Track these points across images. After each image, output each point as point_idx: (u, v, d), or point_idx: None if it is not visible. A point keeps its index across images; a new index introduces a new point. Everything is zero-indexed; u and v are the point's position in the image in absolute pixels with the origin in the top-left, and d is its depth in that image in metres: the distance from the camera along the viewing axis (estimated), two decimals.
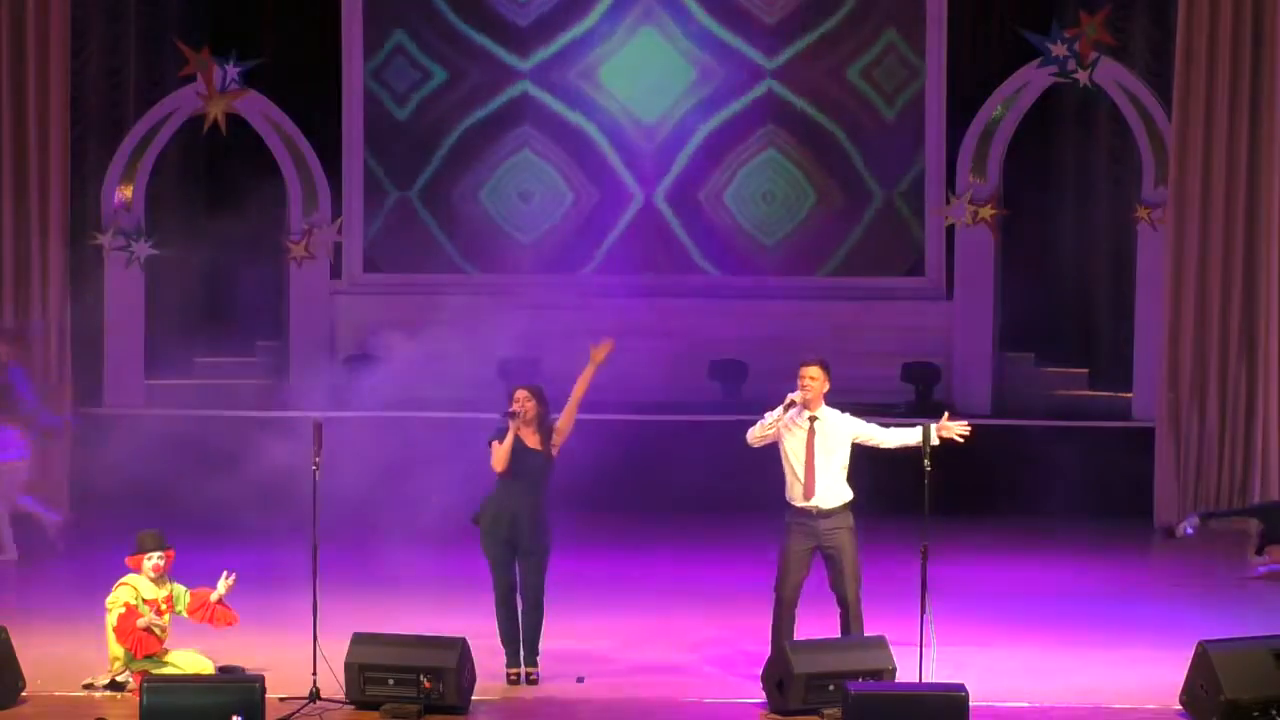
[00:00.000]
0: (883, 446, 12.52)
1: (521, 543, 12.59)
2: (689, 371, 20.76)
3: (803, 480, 12.37)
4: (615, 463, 17.82)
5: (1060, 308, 21.51)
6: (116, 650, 12.40)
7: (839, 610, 12.45)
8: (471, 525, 12.77)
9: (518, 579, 12.65)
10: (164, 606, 12.50)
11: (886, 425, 12.63)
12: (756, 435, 12.46)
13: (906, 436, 12.44)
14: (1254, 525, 16.35)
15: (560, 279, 21.47)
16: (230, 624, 12.64)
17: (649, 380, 20.36)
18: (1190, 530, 15.99)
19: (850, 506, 12.46)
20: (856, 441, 12.50)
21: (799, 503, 12.41)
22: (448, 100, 21.80)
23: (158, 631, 12.38)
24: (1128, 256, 20.55)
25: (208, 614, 12.56)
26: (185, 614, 12.59)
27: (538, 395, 12.66)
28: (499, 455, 12.56)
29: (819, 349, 19.11)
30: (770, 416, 12.39)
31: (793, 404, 12.36)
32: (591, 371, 12.74)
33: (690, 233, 21.74)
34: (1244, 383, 18.42)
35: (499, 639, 12.68)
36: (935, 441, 12.18)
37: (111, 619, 12.39)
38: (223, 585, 12.55)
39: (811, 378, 12.38)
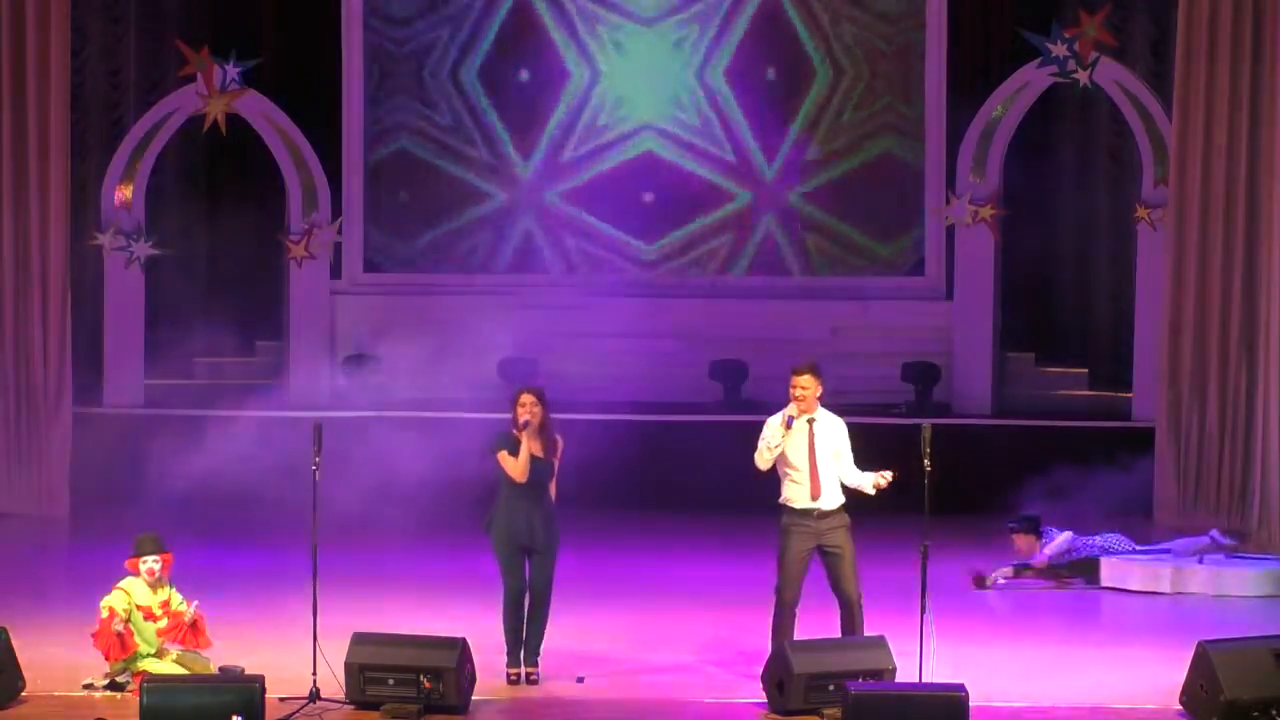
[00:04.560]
0: (843, 476, 12.50)
1: (535, 545, 12.59)
2: (689, 371, 20.75)
3: (808, 483, 12.34)
4: (615, 463, 17.82)
5: (1060, 308, 21.51)
6: None
7: (840, 609, 12.45)
8: (478, 525, 12.75)
9: (527, 580, 12.64)
10: (159, 612, 12.47)
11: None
12: (765, 459, 12.38)
13: (860, 480, 12.44)
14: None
15: (560, 279, 21.47)
16: (200, 649, 12.54)
17: (649, 380, 20.37)
18: (1002, 581, 16.00)
19: (845, 506, 12.46)
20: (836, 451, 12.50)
21: (801, 504, 12.38)
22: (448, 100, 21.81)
23: (144, 642, 12.35)
24: (1128, 256, 20.56)
25: (179, 635, 12.46)
26: (162, 631, 12.51)
27: (543, 400, 12.63)
28: (518, 468, 12.50)
29: (819, 349, 19.25)
30: (774, 440, 12.32)
31: (792, 419, 12.34)
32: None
33: (691, 232, 21.73)
34: (1244, 383, 18.40)
35: (503, 636, 12.66)
36: (877, 487, 12.32)
37: (101, 616, 12.38)
38: (189, 614, 12.47)
39: (804, 387, 12.36)
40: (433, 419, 18.59)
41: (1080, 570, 16.25)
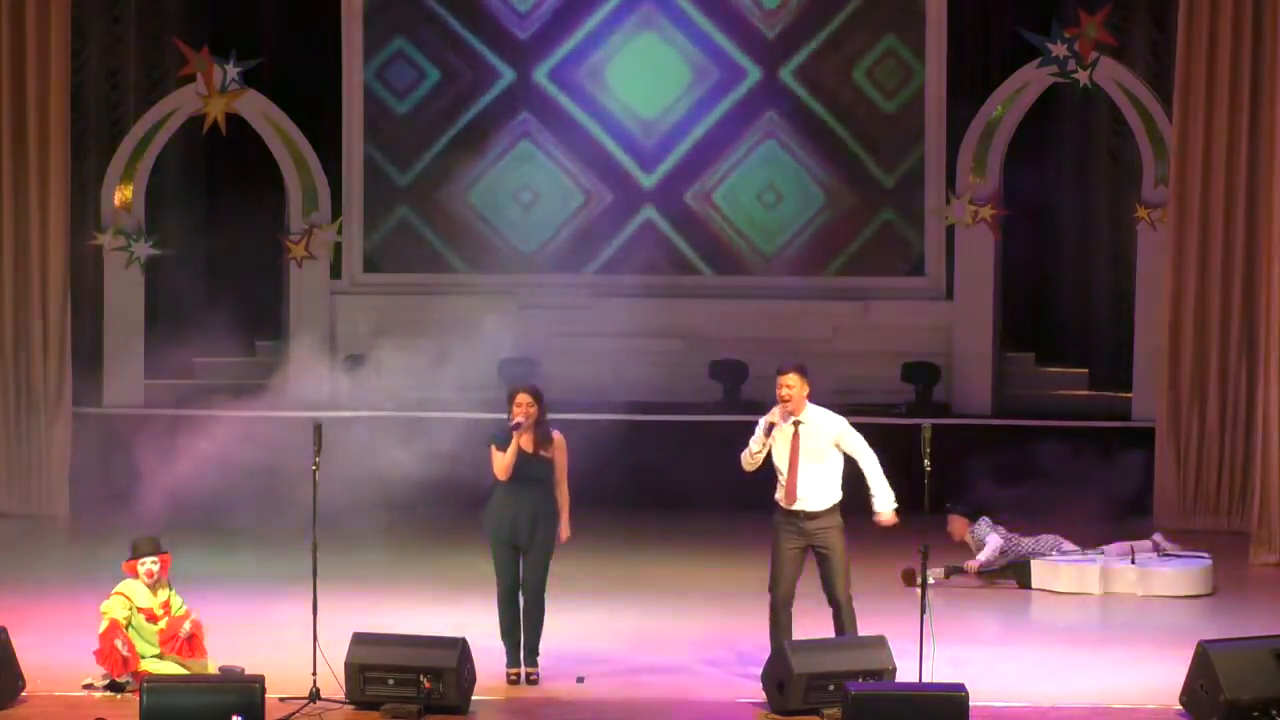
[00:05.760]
0: (859, 462, 12.45)
1: (524, 542, 12.58)
2: (689, 371, 20.75)
3: (785, 484, 12.35)
4: (615, 462, 17.82)
5: (1060, 308, 21.52)
6: None
7: (832, 610, 12.44)
8: (478, 525, 12.76)
9: (520, 577, 12.64)
10: (159, 613, 12.46)
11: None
12: (749, 462, 12.41)
13: (876, 481, 12.34)
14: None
15: (560, 279, 21.47)
16: (197, 659, 12.54)
17: (649, 380, 20.38)
18: (933, 580, 15.91)
19: (839, 507, 12.42)
20: (837, 445, 12.43)
21: (786, 505, 12.39)
22: (448, 100, 21.80)
23: (145, 643, 12.34)
24: (1128, 256, 20.56)
25: (176, 646, 12.46)
26: (163, 633, 12.49)
27: (539, 398, 12.62)
28: (503, 465, 12.53)
29: (819, 349, 19.24)
30: (755, 445, 12.35)
31: (773, 425, 12.33)
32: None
33: (691, 233, 21.74)
34: (1244, 383, 18.41)
35: (500, 637, 12.67)
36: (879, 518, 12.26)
37: (101, 627, 12.36)
38: (185, 630, 12.45)
39: (789, 385, 12.36)
40: (432, 419, 18.57)
41: (1012, 573, 16.19)
